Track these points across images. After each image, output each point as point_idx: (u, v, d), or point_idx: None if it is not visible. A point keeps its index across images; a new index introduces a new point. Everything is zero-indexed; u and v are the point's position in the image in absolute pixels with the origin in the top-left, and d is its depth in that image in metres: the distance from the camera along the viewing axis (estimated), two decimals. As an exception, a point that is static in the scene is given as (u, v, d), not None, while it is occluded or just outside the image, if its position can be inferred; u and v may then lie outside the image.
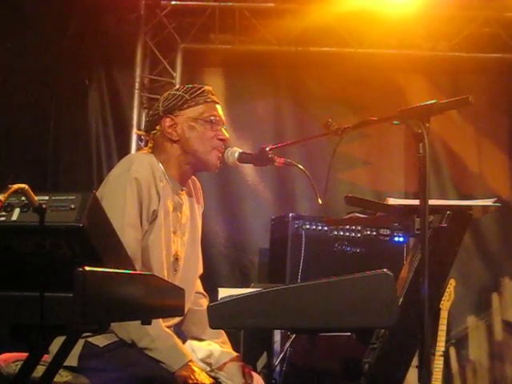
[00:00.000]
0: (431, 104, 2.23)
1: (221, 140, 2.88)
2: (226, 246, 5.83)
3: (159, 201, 2.73)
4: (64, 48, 5.55)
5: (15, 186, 1.57)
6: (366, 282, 2.02)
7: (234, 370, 2.77)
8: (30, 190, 1.59)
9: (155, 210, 2.71)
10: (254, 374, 2.85)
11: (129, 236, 2.59)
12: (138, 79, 5.80)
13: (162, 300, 1.89)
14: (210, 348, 2.84)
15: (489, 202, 2.91)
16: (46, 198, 1.63)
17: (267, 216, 5.32)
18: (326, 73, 5.88)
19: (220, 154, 2.90)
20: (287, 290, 2.07)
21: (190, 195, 2.98)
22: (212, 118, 2.86)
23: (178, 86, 2.96)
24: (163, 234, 2.75)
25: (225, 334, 2.99)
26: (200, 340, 2.95)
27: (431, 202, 2.36)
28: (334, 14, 5.52)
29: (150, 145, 2.92)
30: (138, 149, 5.41)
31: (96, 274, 1.59)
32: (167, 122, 2.84)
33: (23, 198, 1.62)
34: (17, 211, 1.63)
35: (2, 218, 1.62)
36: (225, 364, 2.77)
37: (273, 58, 5.90)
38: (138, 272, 1.83)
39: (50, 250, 1.63)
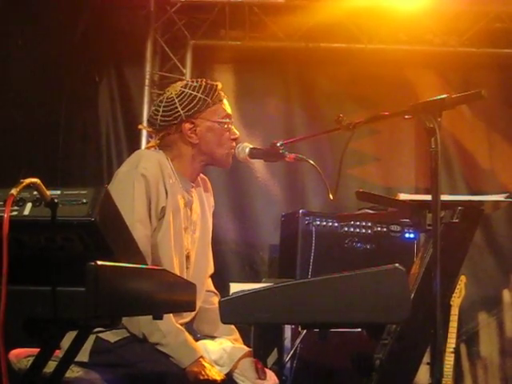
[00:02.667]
0: (443, 98, 2.22)
1: (234, 140, 2.89)
2: (236, 243, 5.84)
3: (167, 197, 2.72)
4: (74, 45, 5.56)
5: (27, 181, 1.57)
6: (377, 277, 2.02)
7: (247, 366, 2.76)
8: (41, 184, 1.59)
9: (164, 207, 2.71)
10: (267, 370, 2.85)
11: (139, 232, 2.59)
12: (148, 76, 5.82)
13: (173, 295, 1.89)
14: (222, 346, 2.83)
15: (501, 198, 2.89)
16: (58, 192, 1.63)
17: (277, 212, 5.30)
18: (336, 69, 5.88)
19: (233, 152, 2.90)
20: (298, 284, 2.06)
21: (199, 192, 2.97)
22: (227, 118, 2.86)
23: (191, 84, 2.85)
24: (173, 230, 2.74)
25: (237, 331, 2.99)
26: (212, 338, 2.94)
27: (443, 197, 2.35)
28: (344, 10, 5.51)
29: (157, 141, 2.90)
30: (148, 142, 5.41)
31: (108, 268, 1.59)
32: (188, 126, 2.81)
33: (35, 193, 1.62)
34: (29, 206, 1.63)
35: (14, 213, 1.61)
36: (238, 361, 2.77)
37: (283, 54, 5.90)
38: (149, 266, 1.83)
39: (62, 245, 1.62)
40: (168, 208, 2.72)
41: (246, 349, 2.86)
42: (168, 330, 2.63)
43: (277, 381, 2.85)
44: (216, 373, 2.63)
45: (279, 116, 6.02)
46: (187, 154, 2.85)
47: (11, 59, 4.80)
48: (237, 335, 2.97)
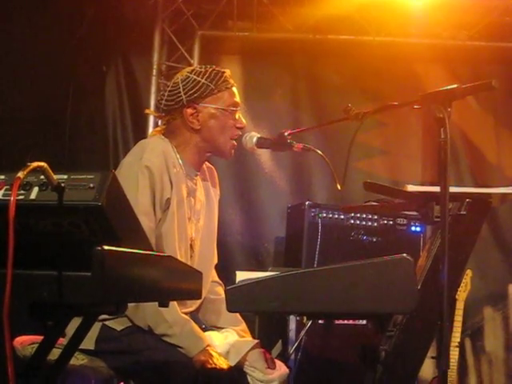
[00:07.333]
0: (453, 88, 2.20)
1: (239, 128, 2.87)
2: (242, 234, 5.83)
3: (172, 188, 2.71)
4: (82, 34, 5.54)
5: (34, 164, 1.56)
6: (385, 267, 2.01)
7: (256, 357, 2.75)
8: (48, 168, 1.58)
9: (168, 199, 2.69)
10: (276, 360, 2.84)
11: (143, 224, 2.57)
12: (155, 66, 5.81)
13: (179, 282, 1.88)
14: (227, 341, 2.82)
15: (509, 190, 2.87)
16: (65, 176, 1.62)
17: (283, 204, 5.30)
18: (344, 61, 5.85)
19: (235, 143, 2.88)
20: (305, 273, 2.05)
21: (204, 181, 2.96)
22: (233, 107, 2.84)
23: (197, 69, 2.86)
24: (177, 220, 2.73)
25: (243, 322, 2.98)
26: (218, 328, 2.93)
27: (450, 189, 2.33)
28: (353, 2, 5.49)
29: (163, 126, 2.90)
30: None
31: (114, 253, 1.58)
32: (189, 111, 2.80)
33: (42, 177, 1.61)
34: (35, 190, 1.62)
35: (21, 197, 1.60)
36: (247, 353, 2.75)
37: (291, 46, 5.88)
38: (156, 253, 1.81)
39: (69, 229, 1.61)
40: (173, 199, 2.71)
41: (253, 341, 2.84)
42: (174, 321, 2.62)
43: (287, 370, 2.85)
44: (223, 361, 2.63)
45: (286, 107, 6.01)
46: (191, 142, 2.83)
47: (19, 48, 4.79)
48: (243, 326, 2.96)
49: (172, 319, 2.62)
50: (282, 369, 2.81)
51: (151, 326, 2.62)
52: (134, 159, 2.70)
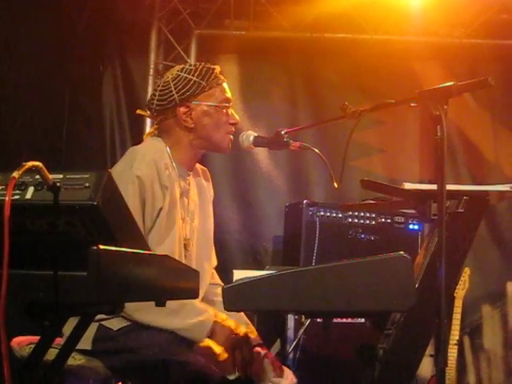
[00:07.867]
0: (449, 86, 2.20)
1: (232, 124, 2.86)
2: (240, 233, 5.83)
3: (164, 196, 2.69)
4: (78, 34, 5.54)
5: (29, 164, 1.56)
6: (383, 265, 2.01)
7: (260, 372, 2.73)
8: (44, 167, 1.58)
9: (161, 208, 2.67)
10: (285, 368, 2.80)
11: None
12: (152, 65, 5.82)
13: (176, 281, 1.88)
14: None
15: (506, 188, 2.87)
16: (61, 176, 1.61)
17: (281, 203, 5.30)
18: (341, 59, 5.85)
19: (232, 137, 2.88)
20: (303, 272, 2.05)
21: (198, 181, 2.95)
22: (225, 103, 2.83)
23: (187, 67, 2.82)
24: (169, 222, 2.70)
25: (249, 322, 2.94)
26: None
27: (448, 186, 2.33)
28: (350, 0, 5.49)
29: (155, 126, 2.88)
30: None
31: (110, 252, 1.58)
32: (182, 109, 2.78)
33: (37, 177, 1.61)
34: (31, 189, 1.62)
35: (16, 197, 1.60)
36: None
37: (287, 44, 5.88)
38: (152, 252, 1.81)
39: (64, 229, 1.61)
40: (165, 207, 2.68)
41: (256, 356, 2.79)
42: (179, 306, 2.62)
43: (294, 380, 2.81)
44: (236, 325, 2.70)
45: (283, 106, 6.01)
46: (185, 141, 2.82)
47: (16, 48, 4.78)
48: (249, 326, 2.92)
49: (177, 306, 2.61)
50: (289, 378, 2.78)
51: (164, 326, 2.62)
52: (124, 168, 2.67)
